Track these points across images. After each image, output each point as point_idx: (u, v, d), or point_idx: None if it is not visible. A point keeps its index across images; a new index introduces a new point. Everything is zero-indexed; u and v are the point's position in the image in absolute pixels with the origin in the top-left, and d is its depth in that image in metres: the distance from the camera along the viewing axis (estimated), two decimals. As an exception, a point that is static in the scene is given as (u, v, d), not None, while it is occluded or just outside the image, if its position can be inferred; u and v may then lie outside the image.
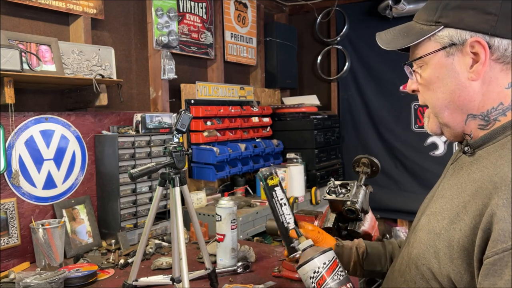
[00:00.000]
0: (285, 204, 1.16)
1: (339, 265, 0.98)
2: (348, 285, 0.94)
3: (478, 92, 0.83)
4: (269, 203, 1.17)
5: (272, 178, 1.16)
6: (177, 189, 1.35)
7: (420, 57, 0.88)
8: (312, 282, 0.96)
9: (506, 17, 0.79)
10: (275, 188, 1.16)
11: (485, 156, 0.82)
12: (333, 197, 1.29)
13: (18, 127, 1.84)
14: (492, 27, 0.79)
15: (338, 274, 0.96)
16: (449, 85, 0.85)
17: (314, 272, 0.96)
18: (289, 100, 3.86)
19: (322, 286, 0.94)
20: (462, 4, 0.82)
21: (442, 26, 0.84)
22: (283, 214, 1.15)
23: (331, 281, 0.94)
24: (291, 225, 1.14)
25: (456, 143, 0.96)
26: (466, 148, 0.87)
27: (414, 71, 0.92)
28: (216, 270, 1.56)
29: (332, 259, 0.98)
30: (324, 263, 0.96)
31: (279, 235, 1.17)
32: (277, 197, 1.15)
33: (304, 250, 1.04)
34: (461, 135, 0.89)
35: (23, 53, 1.74)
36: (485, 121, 0.85)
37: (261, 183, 1.19)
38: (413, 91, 0.95)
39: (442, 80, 0.86)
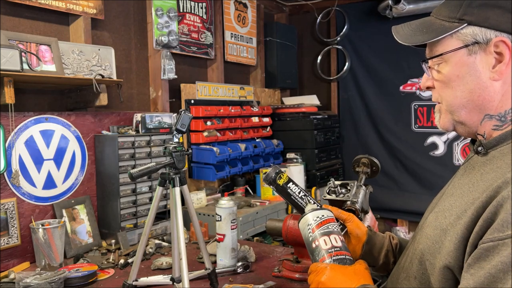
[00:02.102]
0: (305, 196, 1.13)
1: (336, 222, 1.01)
2: (340, 237, 0.96)
3: (498, 92, 0.82)
4: (289, 201, 1.14)
5: (280, 177, 1.14)
6: (177, 189, 1.35)
7: (441, 54, 0.86)
8: (309, 229, 0.98)
9: None
10: (289, 185, 1.14)
11: (499, 156, 0.82)
12: (333, 197, 1.29)
13: (18, 127, 1.84)
14: None
15: (334, 226, 0.98)
16: (469, 84, 0.84)
17: (314, 220, 0.99)
18: (289, 100, 3.86)
19: (317, 230, 0.96)
20: (488, 3, 0.81)
21: (466, 24, 0.82)
22: (309, 202, 1.12)
23: (326, 228, 0.97)
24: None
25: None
26: (479, 148, 0.86)
27: (429, 67, 0.91)
28: (216, 270, 1.56)
29: (331, 215, 1.01)
30: (323, 215, 0.99)
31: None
32: (294, 192, 1.13)
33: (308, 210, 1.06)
34: (475, 132, 0.88)
35: (23, 53, 1.74)
36: (501, 122, 0.84)
37: (271, 186, 1.15)
38: (428, 87, 0.93)
39: (462, 78, 0.84)
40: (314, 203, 1.12)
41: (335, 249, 0.92)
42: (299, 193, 1.13)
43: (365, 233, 1.11)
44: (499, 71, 0.81)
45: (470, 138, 0.94)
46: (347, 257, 0.92)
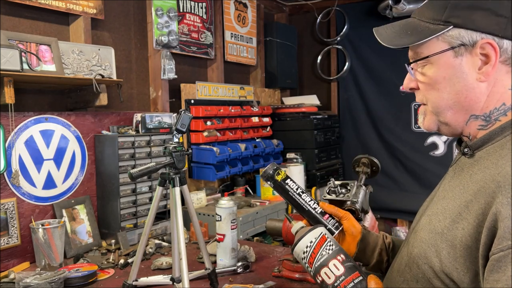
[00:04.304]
0: (303, 192, 1.12)
1: (328, 239, 0.95)
2: (338, 258, 0.91)
3: (484, 93, 0.84)
4: (286, 198, 1.13)
5: (278, 173, 1.13)
6: (177, 189, 1.35)
7: (427, 57, 0.87)
8: (305, 263, 0.95)
9: None
10: (286, 181, 1.12)
11: (485, 156, 0.83)
12: (333, 197, 1.29)
13: (18, 127, 1.84)
14: (502, 29, 0.79)
15: (327, 249, 0.93)
16: (456, 86, 0.85)
17: (304, 253, 0.95)
18: (289, 100, 3.86)
19: (313, 264, 0.93)
20: (473, 5, 0.81)
21: (452, 26, 0.83)
22: (306, 202, 1.11)
23: (320, 257, 0.92)
24: (319, 209, 1.10)
25: (456, 144, 0.96)
26: (465, 150, 0.88)
27: (412, 69, 0.91)
28: (216, 270, 1.56)
29: (319, 235, 0.95)
30: (311, 241, 0.94)
31: (310, 223, 1.12)
32: (291, 189, 1.12)
33: (296, 232, 1.02)
34: (460, 133, 0.90)
35: (23, 53, 1.74)
36: (486, 122, 0.85)
37: (268, 182, 1.14)
38: (411, 88, 0.94)
39: (449, 80, 0.85)
40: (311, 200, 1.11)
41: (340, 279, 0.88)
42: (296, 189, 1.12)
43: (360, 231, 1.12)
44: (486, 72, 0.82)
45: (457, 139, 0.95)
46: (355, 281, 0.88)
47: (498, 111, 0.84)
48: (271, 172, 1.13)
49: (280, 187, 1.13)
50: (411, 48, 0.91)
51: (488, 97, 0.84)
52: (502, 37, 0.80)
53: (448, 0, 0.84)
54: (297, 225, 1.06)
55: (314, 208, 1.11)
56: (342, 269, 0.89)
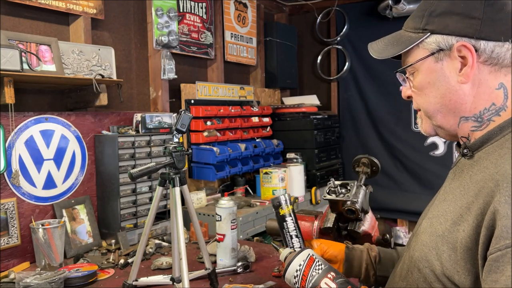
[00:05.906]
0: (296, 236, 1.16)
1: (316, 259, 0.98)
2: (329, 275, 0.94)
3: (469, 94, 0.85)
4: (280, 231, 1.18)
5: (282, 208, 1.17)
6: (177, 189, 1.35)
7: (411, 64, 0.91)
8: (297, 287, 0.98)
9: (490, 20, 0.81)
10: (286, 219, 1.16)
11: (485, 157, 0.83)
12: (333, 197, 1.29)
13: (18, 127, 1.84)
14: (476, 31, 0.82)
15: (316, 269, 0.96)
16: (440, 89, 0.88)
17: (295, 277, 0.97)
18: (289, 100, 3.86)
19: (306, 287, 0.95)
20: (446, 11, 0.85)
21: (429, 33, 0.87)
22: (293, 247, 1.16)
23: (311, 278, 0.95)
24: None
25: (455, 146, 0.96)
26: (465, 151, 0.88)
27: (407, 78, 0.95)
28: (216, 270, 1.56)
29: (307, 257, 0.99)
30: (300, 265, 0.97)
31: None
32: (287, 228, 1.16)
33: (284, 259, 1.05)
34: (456, 135, 0.91)
35: (23, 53, 1.74)
36: (478, 122, 0.86)
37: (273, 209, 1.21)
38: (408, 97, 0.98)
39: (433, 85, 0.88)
40: (300, 247, 1.15)
41: None
42: (292, 231, 1.17)
43: (342, 251, 1.16)
44: (466, 74, 0.84)
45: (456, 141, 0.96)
46: None
47: (489, 111, 0.85)
48: (277, 203, 1.19)
49: (278, 221, 1.19)
50: (402, 59, 0.96)
51: (474, 98, 0.85)
52: (478, 38, 0.82)
53: (426, 8, 0.88)
54: (284, 252, 1.08)
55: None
56: (334, 286, 0.92)
